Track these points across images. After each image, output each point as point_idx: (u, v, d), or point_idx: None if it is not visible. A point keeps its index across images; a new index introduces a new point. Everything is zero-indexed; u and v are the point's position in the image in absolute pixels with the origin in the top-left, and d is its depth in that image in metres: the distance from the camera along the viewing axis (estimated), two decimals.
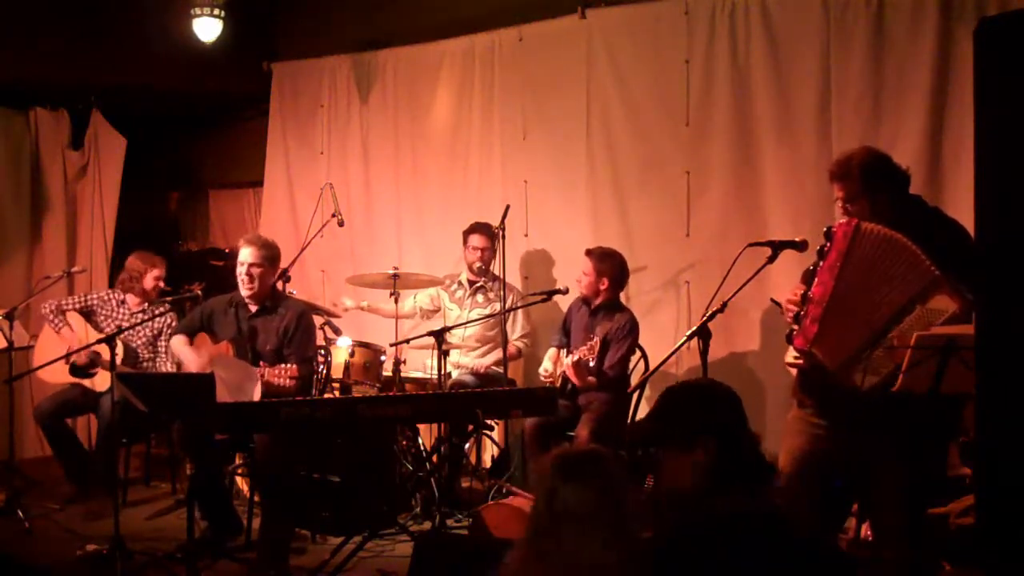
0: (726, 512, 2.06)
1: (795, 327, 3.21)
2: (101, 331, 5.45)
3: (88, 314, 5.57)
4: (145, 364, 5.49)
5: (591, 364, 4.84)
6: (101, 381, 5.36)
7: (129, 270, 5.65)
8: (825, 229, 3.24)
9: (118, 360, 4.54)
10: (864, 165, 3.25)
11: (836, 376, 3.14)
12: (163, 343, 5.50)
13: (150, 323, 5.48)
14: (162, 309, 5.56)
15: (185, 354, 4.74)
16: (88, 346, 5.12)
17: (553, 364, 5.25)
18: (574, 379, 4.87)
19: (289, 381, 4.36)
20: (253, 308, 4.72)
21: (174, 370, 5.36)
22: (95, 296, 5.64)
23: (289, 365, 4.42)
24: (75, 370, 5.40)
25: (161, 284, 5.62)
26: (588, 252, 5.13)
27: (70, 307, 5.56)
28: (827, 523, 3.50)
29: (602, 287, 5.06)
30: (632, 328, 5.02)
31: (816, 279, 3.18)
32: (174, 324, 5.46)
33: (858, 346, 3.11)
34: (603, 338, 4.91)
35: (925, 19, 4.80)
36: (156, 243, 8.03)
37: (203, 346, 4.78)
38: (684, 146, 5.51)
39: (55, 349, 5.30)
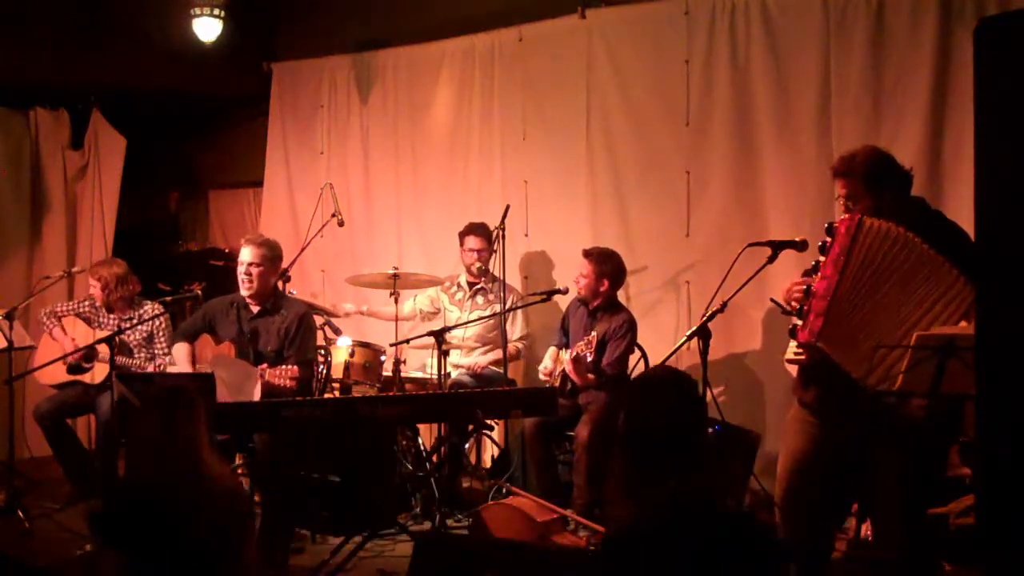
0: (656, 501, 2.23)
1: (798, 322, 3.20)
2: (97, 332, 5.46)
3: (85, 319, 5.58)
4: (139, 363, 5.47)
5: (589, 359, 4.83)
6: (99, 373, 5.36)
7: None
8: (827, 225, 3.23)
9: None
10: (868, 163, 3.25)
11: (846, 369, 3.12)
12: (158, 344, 5.47)
13: (142, 326, 5.45)
14: (150, 309, 5.51)
15: (184, 366, 4.73)
16: (88, 347, 5.13)
17: (553, 363, 5.25)
18: (574, 376, 4.87)
19: (290, 382, 4.36)
20: (255, 309, 4.72)
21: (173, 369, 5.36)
22: (85, 303, 5.61)
23: (290, 366, 4.42)
24: (72, 368, 5.40)
25: (99, 290, 5.46)
26: (586, 253, 5.11)
27: (65, 312, 5.56)
28: (827, 523, 3.51)
29: (602, 288, 5.05)
30: (630, 327, 5.01)
31: (819, 273, 3.17)
32: (166, 326, 5.44)
33: (871, 343, 3.09)
34: (601, 336, 4.91)
35: (925, 19, 4.80)
36: (156, 243, 8.10)
37: (205, 350, 4.77)
38: (684, 146, 5.51)
39: (54, 354, 5.29)
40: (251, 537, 2.82)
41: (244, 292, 4.69)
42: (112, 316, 5.54)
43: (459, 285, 5.86)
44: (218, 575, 2.65)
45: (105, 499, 2.87)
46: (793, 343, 3.30)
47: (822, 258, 3.20)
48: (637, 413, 2.38)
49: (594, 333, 4.85)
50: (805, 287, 3.21)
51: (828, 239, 3.19)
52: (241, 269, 4.68)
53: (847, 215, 3.22)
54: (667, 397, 2.39)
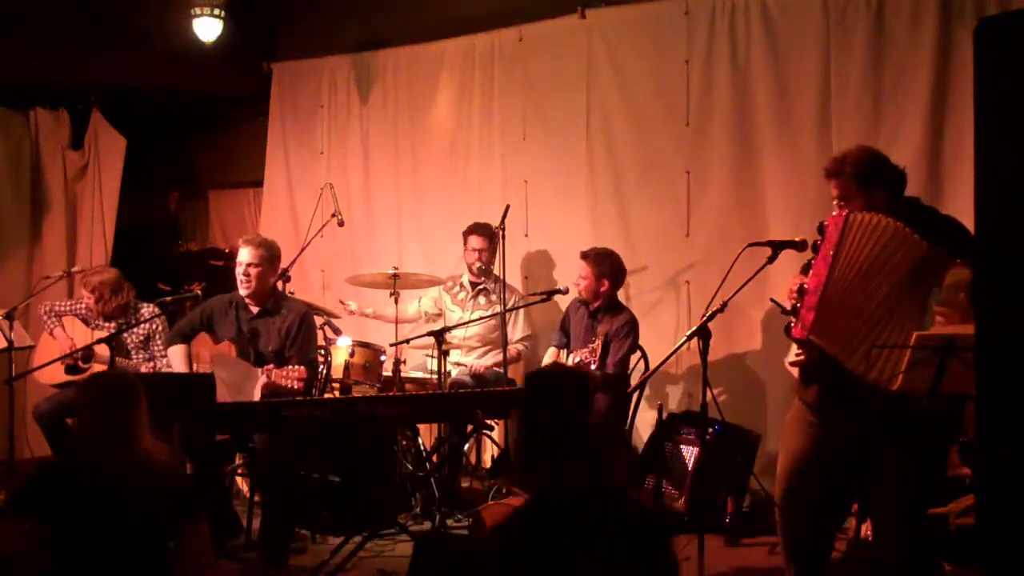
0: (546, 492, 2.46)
1: (792, 320, 3.21)
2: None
3: (83, 320, 5.58)
4: (137, 364, 5.46)
5: (592, 367, 4.84)
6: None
7: None
8: (818, 224, 3.25)
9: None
10: (858, 163, 3.26)
11: (842, 363, 3.13)
12: (156, 346, 5.46)
13: (138, 327, 5.44)
14: (147, 312, 5.50)
15: (180, 367, 4.73)
16: (86, 347, 5.12)
17: (552, 362, 5.25)
18: None
19: (297, 383, 4.37)
20: (254, 309, 4.71)
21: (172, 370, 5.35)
22: (81, 305, 5.60)
23: (297, 367, 4.43)
24: (71, 368, 5.40)
25: (94, 302, 5.41)
26: (583, 255, 5.13)
27: (64, 311, 5.56)
28: (827, 523, 3.51)
29: (602, 289, 5.06)
30: (632, 327, 5.02)
31: (811, 271, 3.20)
32: (162, 328, 5.43)
33: (863, 335, 3.10)
34: (603, 337, 4.92)
35: (925, 19, 4.81)
36: (156, 243, 8.09)
37: (203, 349, 4.77)
38: (684, 146, 5.52)
39: (54, 353, 5.29)
40: (197, 515, 3.00)
41: (243, 292, 4.69)
42: (106, 323, 5.54)
43: (461, 285, 5.86)
44: (161, 550, 2.87)
45: (33, 476, 3.06)
46: (794, 346, 3.31)
47: (815, 257, 3.22)
48: (530, 402, 2.64)
49: (598, 341, 4.86)
50: (799, 286, 3.22)
51: (820, 238, 3.21)
52: (239, 270, 4.68)
53: (837, 213, 3.23)
54: (554, 388, 2.63)
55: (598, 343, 4.84)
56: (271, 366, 4.48)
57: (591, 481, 2.47)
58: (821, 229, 3.21)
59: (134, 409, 3.03)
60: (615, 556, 2.35)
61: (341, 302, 5.91)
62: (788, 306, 3.27)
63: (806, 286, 3.18)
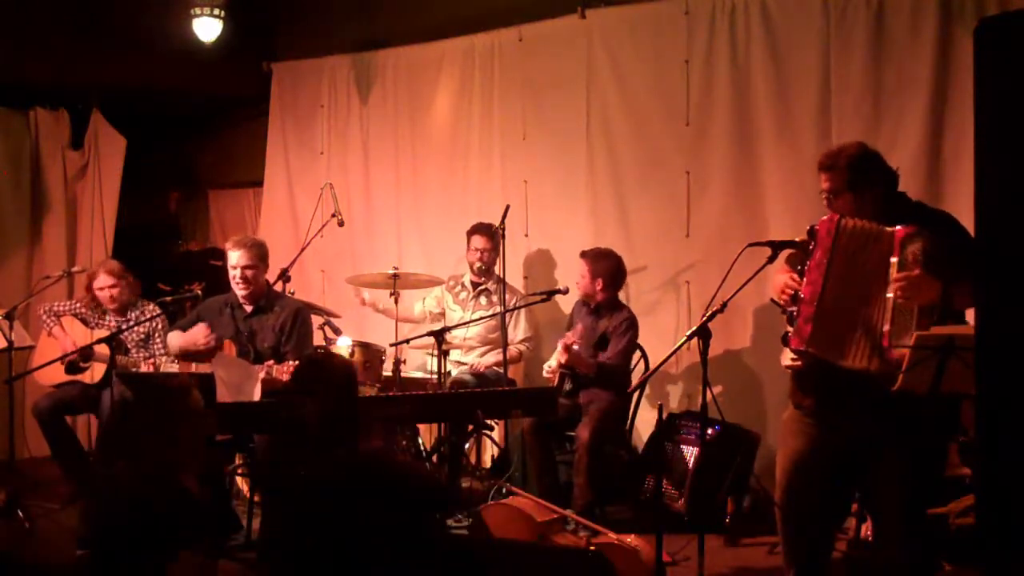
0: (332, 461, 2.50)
1: (789, 329, 3.21)
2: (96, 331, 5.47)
3: (83, 320, 5.58)
4: (137, 362, 5.47)
5: (575, 347, 4.86)
6: (99, 373, 5.36)
7: None
8: (808, 228, 3.24)
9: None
10: (852, 159, 3.26)
11: (841, 365, 3.13)
12: (156, 344, 5.47)
13: (140, 326, 5.45)
14: (150, 311, 5.52)
15: (183, 340, 4.75)
16: (87, 347, 5.13)
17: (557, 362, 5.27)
18: (571, 361, 4.89)
19: None
20: (248, 308, 4.73)
21: (173, 368, 5.35)
22: (79, 304, 5.60)
23: (296, 363, 4.42)
24: (70, 368, 5.41)
25: (108, 292, 5.45)
26: (583, 254, 5.16)
27: (64, 311, 5.56)
28: (827, 523, 3.50)
29: (597, 287, 5.08)
30: (631, 324, 5.04)
31: (805, 278, 3.19)
32: (162, 327, 5.44)
33: (858, 335, 3.11)
34: (603, 332, 4.95)
35: (925, 19, 4.81)
36: (156, 243, 8.09)
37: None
38: (684, 146, 5.52)
39: (53, 353, 5.30)
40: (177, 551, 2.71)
41: (240, 294, 4.70)
42: (109, 317, 5.54)
43: (463, 285, 5.86)
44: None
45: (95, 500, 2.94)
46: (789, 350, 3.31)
47: (808, 261, 3.21)
48: (303, 389, 2.83)
49: (580, 325, 4.90)
50: (792, 292, 3.21)
51: (811, 242, 3.20)
52: (236, 273, 4.69)
53: (827, 217, 3.22)
54: (323, 377, 2.82)
55: (579, 326, 4.95)
56: (271, 362, 4.49)
57: (354, 461, 2.50)
58: (812, 233, 3.21)
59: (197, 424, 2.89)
60: (375, 534, 2.35)
61: (358, 296, 5.89)
62: (779, 300, 3.27)
63: (801, 294, 3.17)
